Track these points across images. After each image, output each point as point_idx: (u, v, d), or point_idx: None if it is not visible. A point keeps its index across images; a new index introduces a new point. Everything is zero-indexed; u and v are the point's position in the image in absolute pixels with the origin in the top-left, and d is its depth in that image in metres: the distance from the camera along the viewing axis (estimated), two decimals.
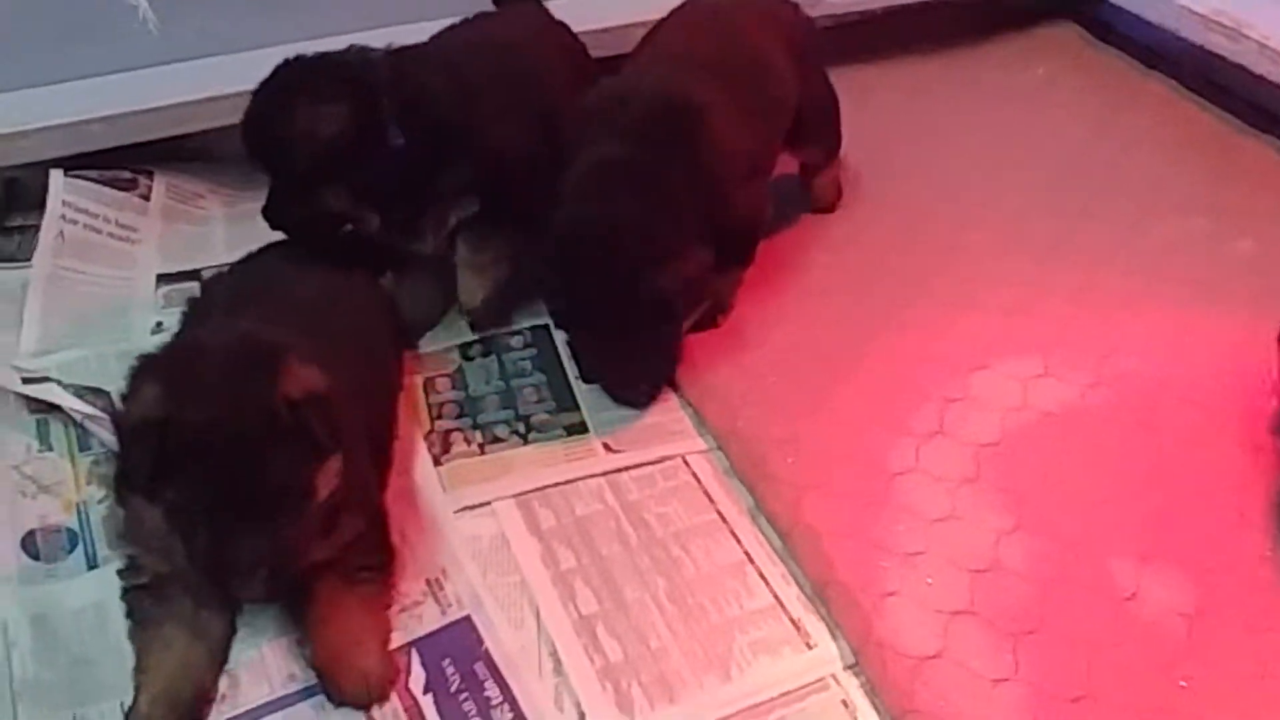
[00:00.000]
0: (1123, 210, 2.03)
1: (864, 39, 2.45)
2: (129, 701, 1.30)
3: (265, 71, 1.70)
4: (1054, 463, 1.56)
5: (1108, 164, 2.16)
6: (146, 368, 1.32)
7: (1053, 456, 1.57)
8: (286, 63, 1.69)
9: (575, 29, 2.05)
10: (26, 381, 1.69)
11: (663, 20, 1.91)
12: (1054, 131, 2.26)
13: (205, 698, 1.31)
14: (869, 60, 2.45)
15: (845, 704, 1.32)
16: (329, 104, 1.63)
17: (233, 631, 1.38)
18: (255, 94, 1.70)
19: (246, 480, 1.21)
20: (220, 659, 1.35)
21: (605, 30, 2.16)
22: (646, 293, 1.57)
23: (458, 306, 1.86)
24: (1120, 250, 1.93)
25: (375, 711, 1.31)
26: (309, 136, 1.63)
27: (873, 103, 2.31)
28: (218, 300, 1.65)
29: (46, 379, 1.70)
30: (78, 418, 1.64)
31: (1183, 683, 1.31)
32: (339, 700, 1.30)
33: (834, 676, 1.35)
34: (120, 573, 1.37)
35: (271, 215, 1.74)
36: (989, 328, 1.77)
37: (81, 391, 1.69)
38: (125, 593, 1.36)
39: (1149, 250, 1.93)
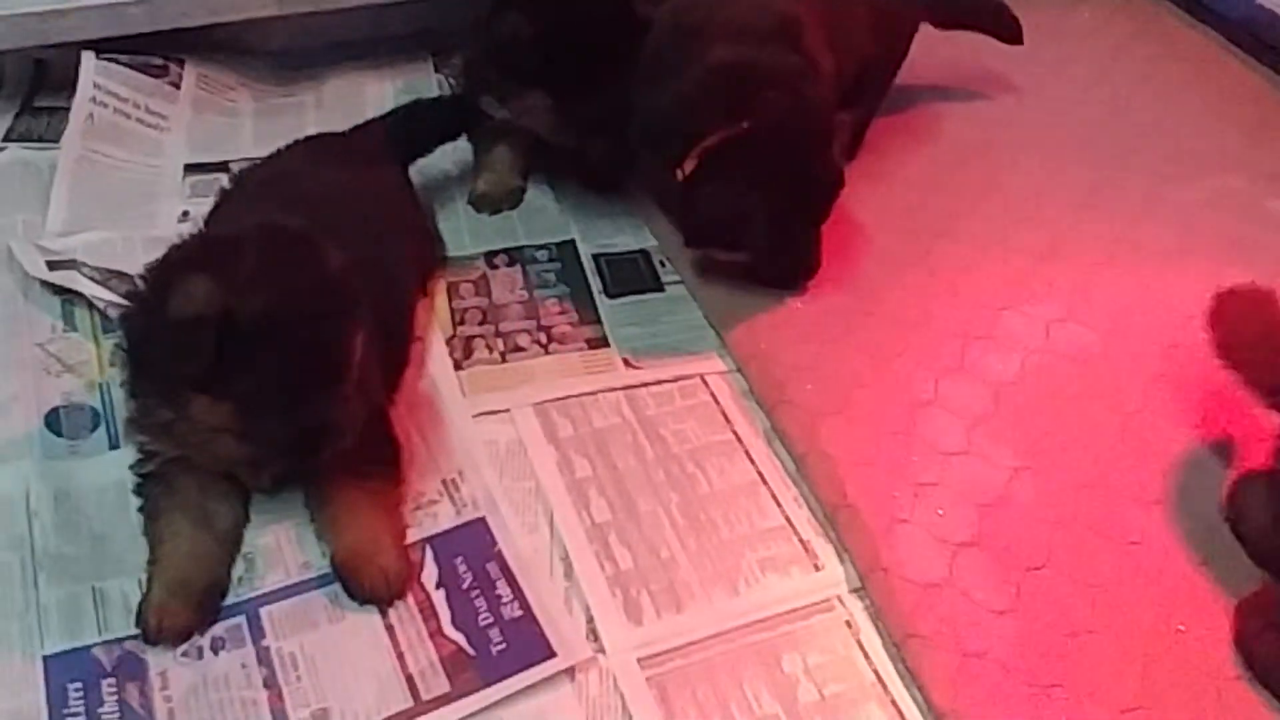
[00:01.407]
0: (1159, 163, 2.01)
1: None
2: (146, 577, 1.32)
3: None
4: (1070, 406, 1.57)
5: (1147, 114, 2.14)
6: (174, 264, 1.28)
7: (1070, 400, 1.58)
8: None
9: None
10: (52, 266, 1.69)
11: None
12: (1096, 77, 2.23)
13: (218, 587, 1.33)
14: None
15: (849, 624, 1.34)
16: None
17: (245, 521, 1.40)
18: None
19: (312, 355, 1.23)
20: (232, 549, 1.37)
21: None
22: (834, 173, 1.62)
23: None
24: (1154, 203, 1.92)
25: (389, 607, 1.33)
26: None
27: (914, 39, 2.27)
28: (247, 192, 1.65)
29: (71, 264, 1.71)
30: (100, 304, 1.65)
31: (1180, 627, 1.33)
32: (361, 598, 1.32)
33: (839, 598, 1.37)
34: (132, 466, 1.38)
35: None
36: (1018, 270, 1.77)
37: (106, 275, 1.69)
38: (138, 486, 1.37)
39: (1183, 205, 1.92)
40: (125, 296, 1.46)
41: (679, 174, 1.67)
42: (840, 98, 1.80)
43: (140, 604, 1.30)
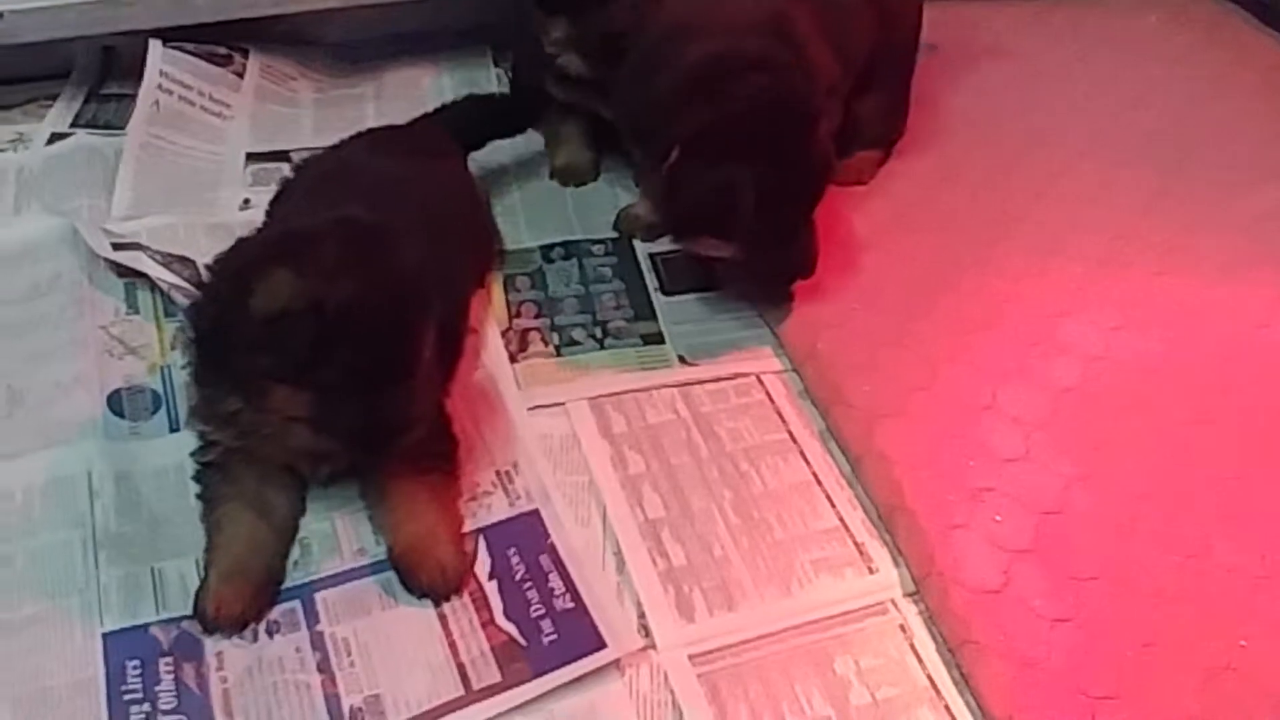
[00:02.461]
0: (1222, 172, 1.98)
1: None
2: (204, 558, 1.34)
3: None
4: (1130, 415, 1.55)
5: (1210, 122, 2.11)
6: (253, 259, 1.28)
7: (1129, 408, 1.56)
8: None
9: None
10: (117, 248, 1.72)
11: None
12: (1159, 84, 2.20)
13: (274, 577, 1.34)
14: None
15: (903, 629, 1.33)
16: None
17: (302, 511, 1.41)
18: None
19: (390, 347, 1.25)
20: (288, 538, 1.38)
21: None
22: (821, 155, 1.60)
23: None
24: (1215, 212, 1.89)
25: None
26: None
27: (974, 41, 2.26)
28: (309, 183, 1.66)
29: (136, 246, 1.73)
30: (164, 286, 1.67)
31: (1243, 642, 1.31)
32: (419, 591, 1.33)
33: (893, 601, 1.36)
34: (192, 454, 1.40)
35: None
36: (1076, 276, 1.75)
37: (169, 259, 1.72)
38: (197, 474, 1.39)
39: (1245, 215, 1.89)
40: (194, 287, 1.48)
41: (664, 167, 1.63)
42: (853, 84, 1.81)
43: (198, 591, 1.31)
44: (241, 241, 1.35)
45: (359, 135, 1.78)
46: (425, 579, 1.33)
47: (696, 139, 1.59)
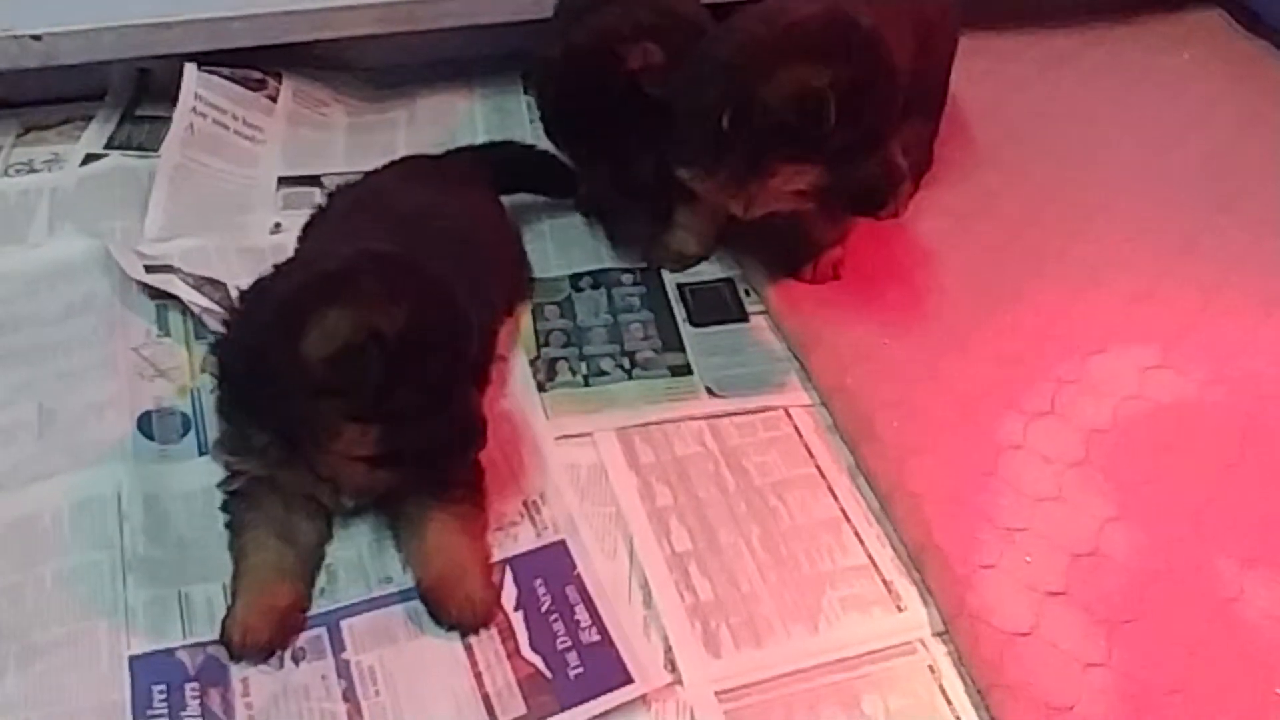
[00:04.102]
0: (1259, 210, 1.96)
1: (1002, 6, 2.39)
2: (231, 584, 1.34)
3: None
4: (1165, 456, 1.53)
5: (1248, 159, 2.09)
6: (293, 302, 1.26)
7: (1164, 449, 1.54)
8: None
9: None
10: (149, 270, 1.73)
11: None
12: (1196, 120, 2.18)
13: (300, 605, 1.34)
14: (1005, 29, 2.38)
15: (932, 669, 1.32)
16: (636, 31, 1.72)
17: (327, 537, 1.41)
18: (557, 70, 1.78)
19: (448, 361, 1.28)
20: (314, 565, 1.38)
21: None
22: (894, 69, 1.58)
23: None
24: (1254, 250, 1.86)
25: None
26: (647, 69, 1.69)
27: (1008, 73, 2.25)
28: (342, 211, 1.67)
29: (168, 268, 1.74)
30: (195, 310, 1.68)
31: (1277, 690, 1.29)
32: (447, 624, 1.33)
33: (922, 641, 1.35)
34: (219, 484, 1.40)
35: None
36: (1111, 313, 1.73)
37: (200, 282, 1.72)
38: (224, 503, 1.39)
39: None
40: (224, 312, 1.48)
41: (723, 124, 1.57)
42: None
43: (224, 619, 1.31)
44: (265, 285, 1.34)
45: (392, 164, 1.79)
46: (454, 612, 1.32)
47: (758, 56, 1.55)
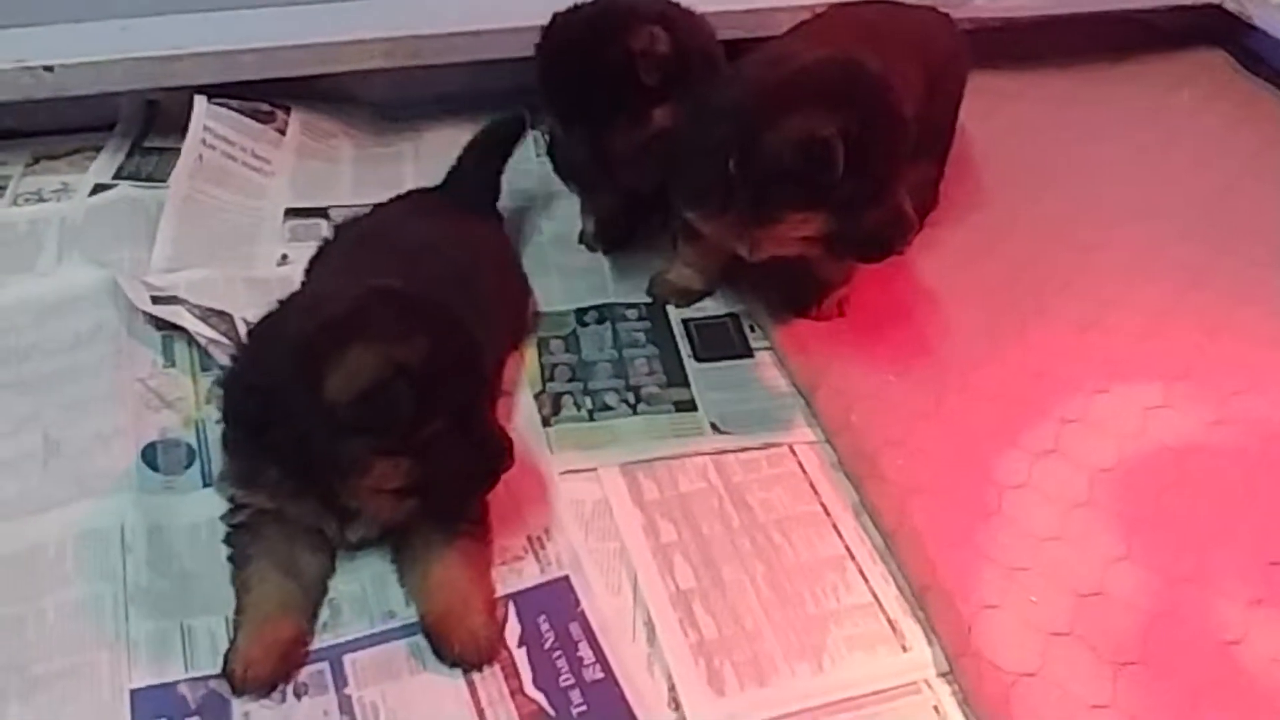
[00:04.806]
0: (1262, 248, 1.97)
1: (1005, 46, 2.41)
2: (234, 617, 1.34)
3: (420, 19, 1.72)
4: (1169, 496, 1.53)
5: (1249, 199, 2.10)
6: (309, 346, 1.25)
7: (1168, 489, 1.54)
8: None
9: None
10: (156, 301, 1.73)
11: (792, 30, 1.90)
12: (1198, 160, 2.20)
13: (303, 639, 1.34)
14: (1008, 68, 2.40)
15: (936, 710, 1.31)
16: (654, 23, 1.68)
17: (330, 571, 1.41)
18: (561, 24, 1.74)
19: (470, 382, 1.31)
20: (317, 599, 1.39)
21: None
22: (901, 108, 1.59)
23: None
24: (1255, 289, 1.87)
25: None
26: (648, 54, 1.66)
27: (1009, 111, 2.27)
28: (347, 244, 1.68)
29: (174, 299, 1.75)
30: (201, 341, 1.68)
31: None
32: (450, 660, 1.32)
33: (927, 681, 1.34)
34: (222, 517, 1.40)
35: (586, 151, 1.74)
36: (1114, 352, 1.74)
37: (206, 313, 1.73)
38: (227, 536, 1.39)
39: None
40: (230, 358, 1.48)
41: (730, 167, 1.57)
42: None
43: (226, 653, 1.31)
44: (274, 324, 1.34)
45: (397, 198, 1.80)
46: (458, 648, 1.32)
47: (767, 100, 1.55)
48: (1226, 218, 2.05)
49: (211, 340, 1.67)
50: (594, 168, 1.76)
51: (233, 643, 1.31)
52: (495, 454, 1.34)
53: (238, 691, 1.29)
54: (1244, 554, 1.46)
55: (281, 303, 1.38)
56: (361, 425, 1.23)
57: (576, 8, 1.76)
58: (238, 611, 1.33)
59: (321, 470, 1.28)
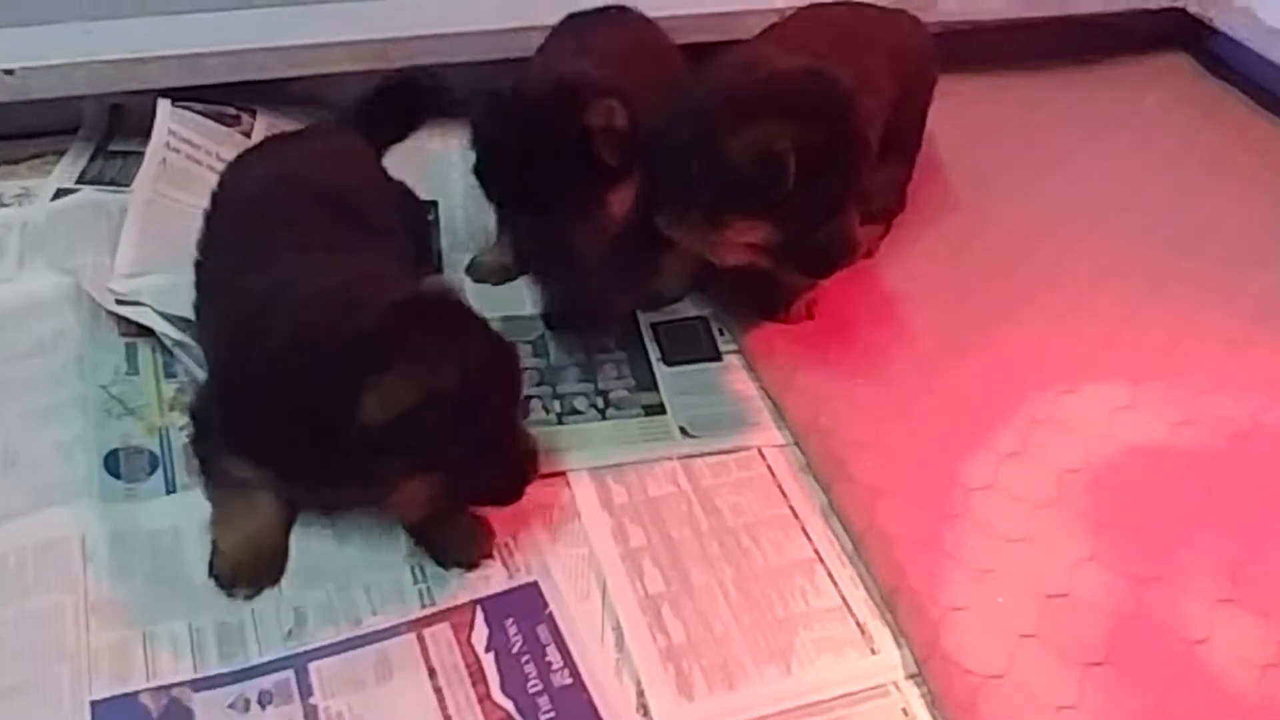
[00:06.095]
0: (1227, 252, 1.98)
1: (973, 49, 2.41)
2: (198, 624, 1.33)
3: (388, 22, 1.68)
4: (1136, 496, 1.54)
5: (1215, 201, 2.12)
6: (340, 359, 1.20)
7: (1135, 490, 1.55)
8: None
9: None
10: (120, 304, 1.71)
11: (766, 30, 1.90)
12: (1163, 163, 2.22)
13: (283, 551, 1.40)
14: (976, 71, 2.41)
15: (905, 712, 1.31)
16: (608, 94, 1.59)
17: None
18: (506, 100, 1.61)
19: (504, 416, 1.31)
20: (291, 523, 1.43)
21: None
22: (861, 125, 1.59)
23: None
24: (1221, 292, 1.89)
25: (438, 667, 1.32)
26: (609, 130, 1.56)
27: (976, 114, 2.28)
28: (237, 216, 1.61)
29: (139, 304, 1.73)
30: (168, 342, 1.66)
31: None
32: (451, 562, 1.42)
33: (895, 684, 1.34)
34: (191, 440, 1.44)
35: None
36: (1082, 355, 1.74)
37: (171, 319, 1.71)
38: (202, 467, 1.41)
39: (1251, 295, 1.89)
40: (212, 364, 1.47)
41: (693, 170, 1.57)
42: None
43: (211, 559, 1.38)
44: (261, 331, 1.28)
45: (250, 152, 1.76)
46: (454, 549, 1.41)
47: (730, 105, 1.54)
48: (1191, 220, 2.06)
49: (178, 342, 1.66)
50: (551, 260, 1.71)
51: (216, 549, 1.38)
52: (522, 469, 1.33)
53: (230, 592, 1.36)
54: (1210, 554, 1.47)
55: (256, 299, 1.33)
56: (394, 447, 1.20)
57: (522, 80, 1.64)
58: (218, 523, 1.38)
59: (340, 481, 1.29)
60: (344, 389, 1.18)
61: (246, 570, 1.35)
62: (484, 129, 1.64)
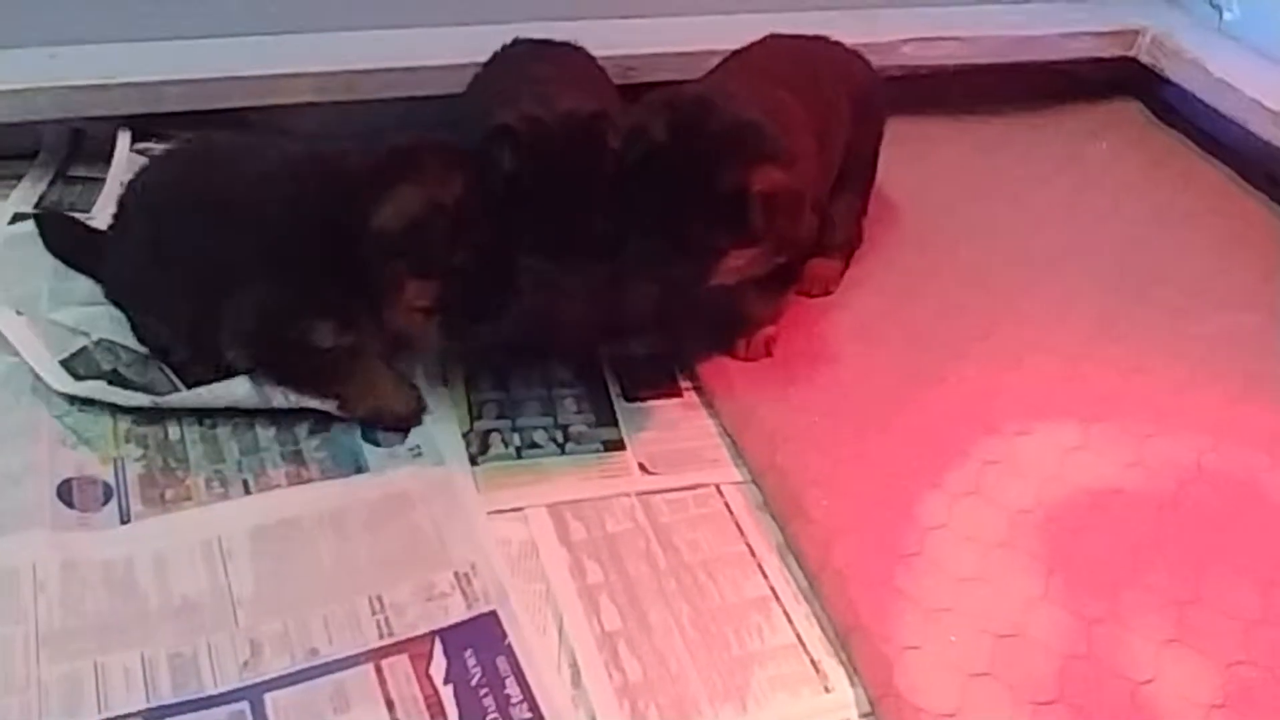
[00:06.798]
0: (1174, 296, 2.03)
1: (930, 92, 2.47)
2: (150, 654, 1.32)
3: (357, 55, 1.70)
4: (1086, 536, 1.57)
5: (1164, 246, 2.17)
6: (371, 174, 1.51)
7: (1085, 530, 1.58)
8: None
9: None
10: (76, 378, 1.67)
11: (731, 56, 1.94)
12: (1113, 207, 2.27)
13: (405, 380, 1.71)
14: (933, 114, 2.47)
15: None
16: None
17: None
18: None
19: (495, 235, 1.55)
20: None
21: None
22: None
23: None
24: (1170, 335, 1.93)
25: (396, 699, 1.31)
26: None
27: (935, 156, 2.33)
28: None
29: (98, 376, 1.68)
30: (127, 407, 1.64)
31: None
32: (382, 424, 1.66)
33: None
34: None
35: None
36: (1033, 395, 1.78)
37: (123, 382, 1.67)
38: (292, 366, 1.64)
39: (1199, 338, 1.93)
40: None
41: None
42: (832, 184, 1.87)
43: (364, 411, 1.65)
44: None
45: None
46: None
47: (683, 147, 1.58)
48: (1140, 265, 2.11)
49: (136, 408, 1.63)
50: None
51: (362, 403, 1.64)
52: (504, 280, 1.56)
53: (408, 424, 1.66)
54: (1157, 594, 1.50)
55: None
56: (402, 250, 1.48)
57: (561, 110, 1.62)
58: (346, 401, 1.63)
59: (365, 287, 1.52)
60: (363, 206, 1.48)
61: (406, 405, 1.66)
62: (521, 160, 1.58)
